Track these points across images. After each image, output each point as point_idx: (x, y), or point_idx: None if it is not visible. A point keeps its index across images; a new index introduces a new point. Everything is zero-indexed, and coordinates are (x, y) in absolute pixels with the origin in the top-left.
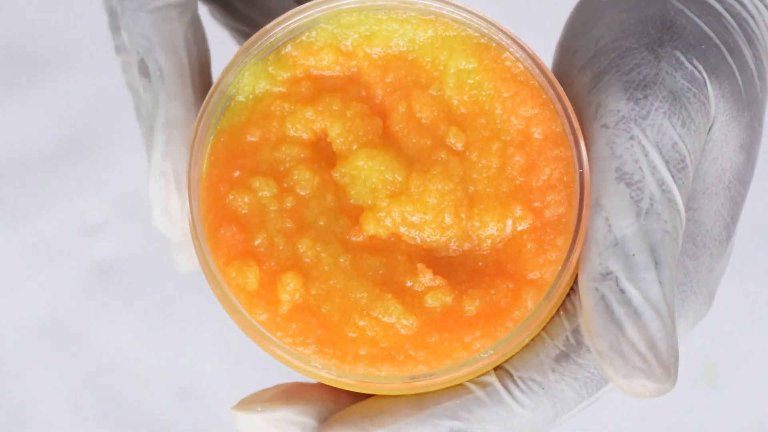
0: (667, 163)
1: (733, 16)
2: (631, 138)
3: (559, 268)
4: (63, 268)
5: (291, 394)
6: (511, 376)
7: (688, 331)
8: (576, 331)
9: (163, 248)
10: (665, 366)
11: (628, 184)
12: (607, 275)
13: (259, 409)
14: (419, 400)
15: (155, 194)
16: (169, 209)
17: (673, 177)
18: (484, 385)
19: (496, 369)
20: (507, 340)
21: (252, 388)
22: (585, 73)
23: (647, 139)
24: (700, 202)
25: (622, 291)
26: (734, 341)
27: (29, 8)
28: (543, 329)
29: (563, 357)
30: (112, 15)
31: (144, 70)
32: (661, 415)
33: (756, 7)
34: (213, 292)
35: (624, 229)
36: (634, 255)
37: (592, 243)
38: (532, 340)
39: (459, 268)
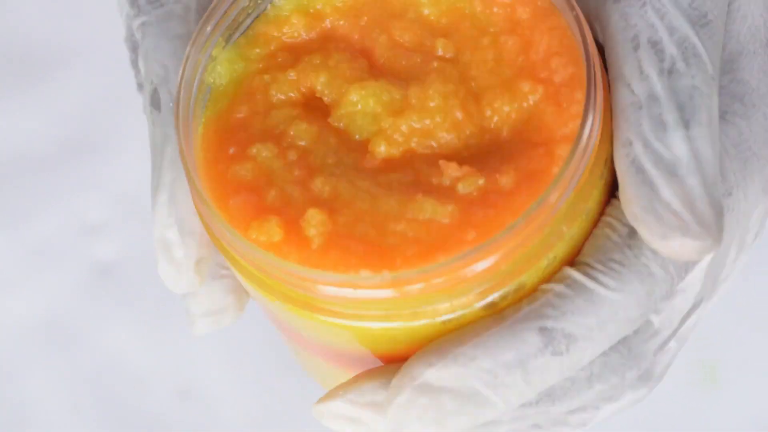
0: (687, 20)
1: None
2: (644, 5)
3: (584, 104)
4: (63, 268)
5: (364, 374)
6: (588, 264)
7: (761, 198)
8: None
9: None
10: (704, 222)
11: (646, 49)
12: (636, 139)
13: (340, 393)
14: (498, 316)
15: (158, 242)
16: (173, 258)
17: (696, 34)
18: (561, 280)
19: (569, 266)
20: (546, 194)
21: (252, 388)
22: None
23: (660, 2)
24: (739, 62)
25: (653, 151)
26: (734, 341)
27: (29, 8)
28: (605, 213)
29: (636, 232)
30: (134, 49)
31: (156, 102)
32: (661, 415)
33: None
34: (243, 279)
35: (647, 91)
36: (660, 114)
37: (619, 112)
38: (597, 227)
39: (484, 157)
